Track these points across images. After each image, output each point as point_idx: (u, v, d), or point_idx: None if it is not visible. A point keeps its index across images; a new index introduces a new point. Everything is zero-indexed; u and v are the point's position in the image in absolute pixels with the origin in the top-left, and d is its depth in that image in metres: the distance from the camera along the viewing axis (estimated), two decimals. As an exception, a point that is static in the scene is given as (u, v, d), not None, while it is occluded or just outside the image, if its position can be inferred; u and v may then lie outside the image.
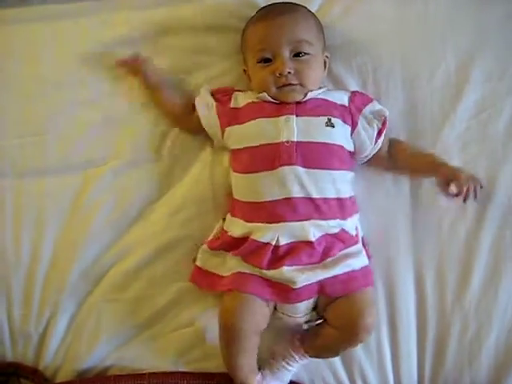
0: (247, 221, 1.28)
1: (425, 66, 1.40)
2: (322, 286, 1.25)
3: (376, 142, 1.32)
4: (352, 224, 1.30)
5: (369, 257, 1.33)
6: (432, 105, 1.39)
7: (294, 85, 1.29)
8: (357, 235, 1.31)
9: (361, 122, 1.31)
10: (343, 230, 1.27)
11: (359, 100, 1.33)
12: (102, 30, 1.43)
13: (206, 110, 1.34)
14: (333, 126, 1.29)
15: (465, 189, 1.26)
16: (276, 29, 1.28)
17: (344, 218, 1.28)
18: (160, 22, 1.42)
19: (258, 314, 1.25)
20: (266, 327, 1.28)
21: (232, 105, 1.35)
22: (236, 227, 1.29)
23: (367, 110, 1.32)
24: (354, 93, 1.34)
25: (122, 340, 1.40)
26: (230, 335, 1.26)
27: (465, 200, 1.26)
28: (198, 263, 1.33)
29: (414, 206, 1.39)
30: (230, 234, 1.29)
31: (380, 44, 1.41)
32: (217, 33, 1.41)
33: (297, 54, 1.27)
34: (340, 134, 1.30)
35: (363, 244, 1.34)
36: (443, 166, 1.32)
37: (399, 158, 1.35)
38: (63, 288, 1.39)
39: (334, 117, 1.30)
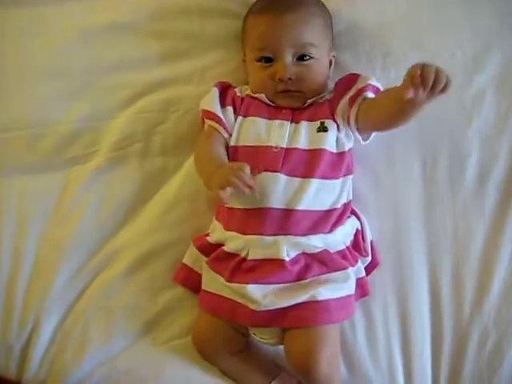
0: (225, 228, 1.21)
1: (439, 53, 1.30)
2: (284, 313, 1.15)
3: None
4: (343, 233, 1.21)
5: (376, 263, 1.26)
6: (448, 95, 1.19)
7: (293, 91, 1.21)
8: (349, 247, 1.22)
9: (339, 119, 1.21)
10: (326, 252, 1.17)
11: (340, 88, 1.23)
12: (88, 15, 1.35)
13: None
14: (325, 130, 1.19)
15: (419, 79, 1.00)
16: (279, 28, 1.19)
17: (331, 230, 1.19)
18: (150, 6, 1.34)
19: (222, 335, 1.20)
20: (241, 348, 1.23)
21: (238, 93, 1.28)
22: (215, 232, 1.23)
23: (345, 99, 1.21)
24: (337, 82, 1.25)
25: (111, 352, 1.30)
26: (201, 356, 1.24)
27: (432, 91, 1.01)
28: (184, 260, 1.27)
29: (428, 208, 1.30)
30: (207, 238, 1.23)
31: (390, 28, 1.32)
32: (213, 18, 1.34)
33: (300, 58, 1.20)
34: (333, 137, 1.20)
35: (372, 249, 1.26)
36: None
37: (371, 112, 1.19)
38: (47, 295, 1.31)
39: (327, 118, 1.21)
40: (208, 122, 1.24)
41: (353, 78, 1.22)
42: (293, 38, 1.18)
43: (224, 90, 1.27)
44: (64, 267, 1.31)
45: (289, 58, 1.19)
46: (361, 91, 1.18)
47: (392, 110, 1.12)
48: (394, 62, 1.31)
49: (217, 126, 1.22)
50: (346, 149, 1.21)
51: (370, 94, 1.18)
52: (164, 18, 1.33)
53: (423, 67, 1.00)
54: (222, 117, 1.23)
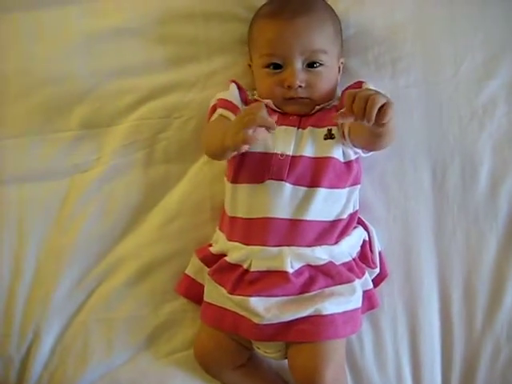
0: (228, 238, 1.18)
1: (450, 57, 1.28)
2: (288, 327, 1.11)
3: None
4: (349, 244, 1.18)
5: (385, 275, 1.23)
6: (458, 100, 1.28)
7: (302, 98, 1.18)
8: (355, 259, 1.18)
9: (339, 129, 1.17)
10: (331, 264, 1.14)
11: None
12: (91, 20, 1.32)
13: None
14: (333, 138, 1.15)
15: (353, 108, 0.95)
16: (289, 34, 1.16)
17: (336, 241, 1.16)
18: (154, 10, 1.31)
19: (225, 349, 1.18)
20: (244, 361, 1.21)
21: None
22: (218, 243, 1.20)
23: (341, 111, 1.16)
24: (343, 90, 1.21)
25: (112, 364, 1.28)
26: (204, 369, 1.21)
27: (365, 120, 0.95)
28: (187, 271, 1.24)
29: (438, 218, 1.27)
30: (210, 249, 1.20)
31: (399, 33, 1.29)
32: (218, 22, 1.31)
33: (310, 65, 1.16)
34: (340, 145, 1.17)
35: (380, 261, 1.23)
36: None
37: (356, 133, 1.14)
38: (47, 306, 1.28)
39: (335, 125, 1.16)
40: (221, 111, 1.19)
41: (357, 88, 1.19)
42: (303, 45, 1.15)
43: (240, 88, 1.24)
44: (65, 277, 1.29)
45: (298, 64, 1.16)
46: None
47: (365, 134, 1.09)
48: (403, 69, 1.29)
49: (231, 115, 1.18)
50: (353, 158, 1.18)
51: None
52: (168, 23, 1.31)
53: (355, 96, 0.95)
54: (240, 107, 1.19)
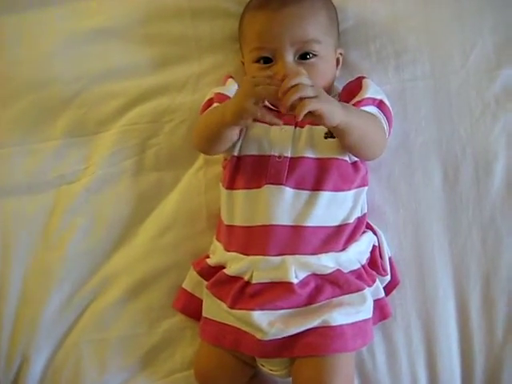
0: (226, 248, 1.13)
1: (458, 46, 1.23)
2: (294, 341, 1.06)
3: None
4: (357, 251, 1.13)
5: (396, 283, 1.19)
6: (468, 92, 1.22)
7: None
8: (365, 266, 1.13)
9: None
10: (339, 272, 1.09)
11: (344, 95, 1.16)
12: (73, 21, 1.29)
13: None
14: (333, 136, 1.10)
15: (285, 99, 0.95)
16: (278, 24, 1.10)
17: (343, 247, 1.11)
18: (138, 9, 1.28)
19: (227, 367, 1.13)
20: (248, 380, 1.17)
21: None
22: (215, 254, 1.16)
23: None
24: (344, 86, 1.18)
25: (107, 387, 1.25)
26: None
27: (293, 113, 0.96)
28: (184, 285, 1.21)
29: (452, 220, 1.21)
30: (207, 260, 1.16)
31: (402, 22, 1.24)
32: (207, 19, 1.27)
33: (302, 56, 1.11)
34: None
35: (391, 267, 1.17)
36: None
37: None
38: (36, 327, 1.24)
39: None
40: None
41: (356, 86, 1.15)
42: (293, 35, 1.10)
43: (238, 84, 1.20)
44: (54, 296, 1.25)
45: (290, 56, 1.10)
46: (356, 106, 1.10)
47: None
48: (408, 61, 1.23)
49: None
50: (357, 159, 1.13)
51: (368, 109, 1.10)
52: (154, 22, 1.27)
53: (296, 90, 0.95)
54: None
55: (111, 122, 1.27)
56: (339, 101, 1.10)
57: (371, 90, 1.13)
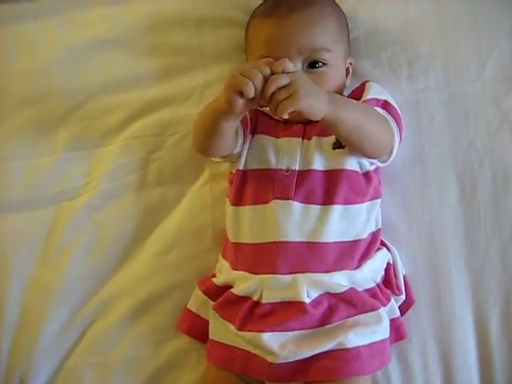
0: (233, 267, 1.10)
1: (473, 54, 1.20)
2: (307, 364, 1.03)
3: None
4: (372, 268, 1.09)
5: (411, 302, 1.15)
6: (485, 102, 1.19)
7: None
8: (379, 285, 1.10)
9: None
10: (353, 290, 1.06)
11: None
12: (73, 31, 1.28)
13: None
14: (342, 146, 1.07)
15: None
16: (286, 31, 1.08)
17: (358, 265, 1.08)
18: (141, 18, 1.27)
19: None
20: None
21: None
22: (222, 273, 1.13)
23: None
24: (349, 95, 1.15)
25: (108, 414, 1.22)
26: None
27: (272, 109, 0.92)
28: (189, 306, 1.18)
29: (470, 235, 1.17)
30: (213, 280, 1.13)
31: (415, 30, 1.22)
32: (212, 28, 1.26)
33: (311, 65, 1.09)
34: (351, 154, 1.08)
35: (405, 286, 1.14)
36: None
37: None
38: (34, 349, 1.21)
39: None
40: None
41: (359, 91, 1.12)
42: (302, 42, 1.07)
43: None
44: (53, 317, 1.22)
45: (298, 65, 1.07)
46: None
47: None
48: (421, 70, 1.21)
49: None
50: (371, 168, 1.10)
51: None
52: (157, 31, 1.26)
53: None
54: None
55: (113, 135, 1.25)
56: None
57: (373, 91, 1.10)
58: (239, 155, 1.11)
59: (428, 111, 1.19)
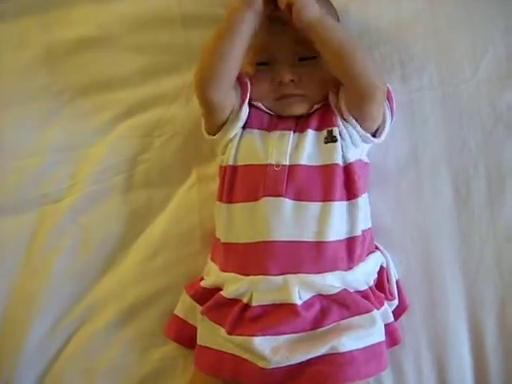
0: (222, 269, 1.08)
1: (467, 53, 1.18)
2: (300, 369, 1.00)
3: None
4: (364, 271, 1.07)
5: (405, 307, 1.13)
6: (479, 102, 1.17)
7: (297, 96, 1.08)
8: (372, 288, 1.07)
9: (337, 119, 1.07)
10: (346, 292, 1.03)
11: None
12: (55, 30, 1.25)
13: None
14: (334, 140, 1.05)
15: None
16: (276, 28, 1.06)
17: (350, 266, 1.05)
18: (126, 16, 1.24)
19: None
20: None
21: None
22: (210, 275, 1.11)
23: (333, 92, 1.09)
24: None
25: (94, 423, 1.20)
26: None
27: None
28: (176, 311, 1.15)
29: (464, 238, 1.16)
30: (201, 283, 1.11)
31: (408, 30, 1.19)
32: (199, 26, 1.22)
33: (303, 58, 1.07)
34: (339, 147, 1.06)
35: (398, 290, 1.12)
36: None
37: None
38: (18, 357, 1.19)
39: (334, 126, 1.06)
40: None
41: None
42: (294, 33, 1.04)
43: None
44: (37, 324, 1.20)
45: (289, 59, 1.06)
46: None
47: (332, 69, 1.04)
48: (415, 70, 1.19)
49: None
50: (354, 159, 1.07)
51: None
52: (143, 30, 1.23)
53: None
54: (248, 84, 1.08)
55: (98, 136, 1.23)
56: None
57: None
58: (230, 143, 1.08)
59: (422, 112, 1.17)
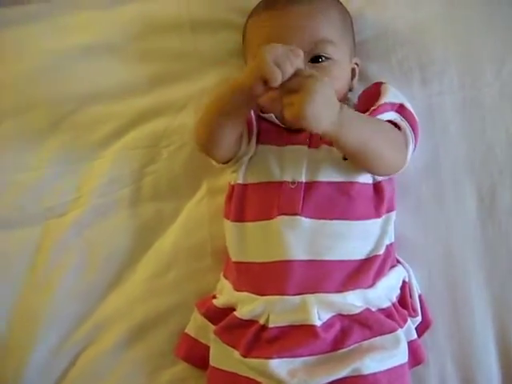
0: (235, 288, 1.05)
1: (490, 55, 1.15)
2: None
3: None
4: (387, 286, 1.04)
5: (428, 324, 1.09)
6: (503, 106, 1.14)
7: None
8: (395, 304, 1.04)
9: None
10: (368, 311, 1.00)
11: (361, 105, 1.08)
12: (59, 37, 1.24)
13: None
14: None
15: None
16: (287, 23, 1.04)
17: (373, 283, 1.02)
18: (132, 22, 1.23)
19: None
20: None
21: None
22: (223, 293, 1.08)
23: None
24: (360, 94, 1.11)
25: None
26: None
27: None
28: (187, 330, 1.12)
29: (490, 252, 1.12)
30: (214, 301, 1.07)
31: (427, 32, 1.17)
32: (208, 32, 1.21)
33: (315, 59, 1.04)
34: None
35: (421, 306, 1.08)
36: None
37: None
38: (21, 378, 1.16)
39: None
40: None
41: (373, 94, 1.06)
42: (304, 34, 1.02)
43: None
44: (41, 344, 1.17)
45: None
46: (372, 115, 1.02)
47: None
48: (435, 73, 1.16)
49: None
50: (381, 178, 1.04)
51: (387, 116, 1.02)
52: (150, 36, 1.22)
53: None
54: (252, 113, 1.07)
55: (104, 147, 1.21)
56: (355, 107, 1.04)
57: (389, 95, 1.04)
58: (241, 163, 1.06)
59: (442, 117, 1.14)
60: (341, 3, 1.12)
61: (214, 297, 1.09)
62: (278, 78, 0.85)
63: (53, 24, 1.23)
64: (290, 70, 0.86)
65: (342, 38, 1.06)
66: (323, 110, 0.87)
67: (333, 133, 0.90)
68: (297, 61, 0.87)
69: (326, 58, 1.03)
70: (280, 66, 0.86)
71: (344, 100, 1.07)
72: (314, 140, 1.04)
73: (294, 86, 0.86)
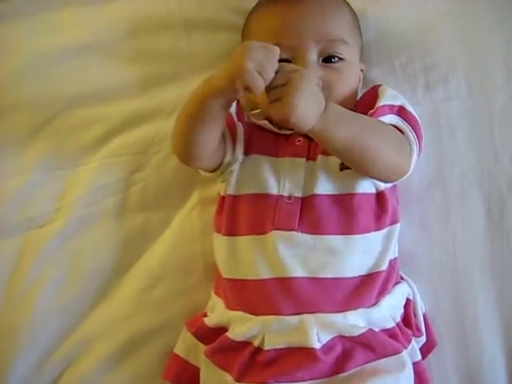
0: (228, 306, 1.00)
1: (500, 59, 1.12)
2: None
3: None
4: (391, 305, 1.00)
5: (433, 344, 1.05)
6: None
7: None
8: (399, 324, 0.99)
9: None
10: (371, 332, 0.95)
11: (360, 108, 1.04)
12: (43, 35, 1.20)
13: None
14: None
15: None
16: (299, 15, 1.00)
17: (375, 301, 0.98)
18: (122, 20, 1.19)
19: None
20: None
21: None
22: (214, 312, 1.03)
23: None
24: (358, 100, 1.07)
25: None
26: None
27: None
28: (176, 350, 1.08)
29: (499, 267, 1.09)
30: (205, 320, 1.03)
31: (432, 35, 1.14)
32: (202, 32, 1.18)
33: (327, 59, 1.00)
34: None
35: (426, 325, 1.04)
36: None
37: None
38: None
39: None
40: None
41: (372, 96, 1.03)
42: (318, 30, 0.98)
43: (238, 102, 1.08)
44: (20, 364, 1.13)
45: (313, 56, 0.99)
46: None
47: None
48: (440, 78, 1.12)
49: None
50: (385, 187, 1.00)
51: (388, 120, 0.98)
52: (142, 36, 1.19)
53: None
54: (235, 121, 1.03)
55: (90, 153, 1.17)
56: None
57: (387, 97, 1.01)
58: (230, 173, 1.02)
59: (449, 124, 1.10)
60: (350, 5, 1.08)
61: (205, 315, 1.04)
62: (261, 87, 0.83)
63: (39, 21, 1.19)
64: (271, 75, 0.84)
65: (353, 38, 1.04)
66: (310, 103, 0.86)
67: (321, 127, 0.87)
68: (276, 60, 0.84)
69: (340, 59, 1.00)
70: (262, 73, 0.83)
71: (353, 103, 1.04)
72: (312, 150, 1.00)
73: (279, 83, 0.84)
